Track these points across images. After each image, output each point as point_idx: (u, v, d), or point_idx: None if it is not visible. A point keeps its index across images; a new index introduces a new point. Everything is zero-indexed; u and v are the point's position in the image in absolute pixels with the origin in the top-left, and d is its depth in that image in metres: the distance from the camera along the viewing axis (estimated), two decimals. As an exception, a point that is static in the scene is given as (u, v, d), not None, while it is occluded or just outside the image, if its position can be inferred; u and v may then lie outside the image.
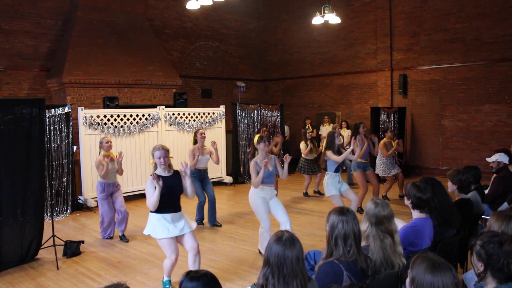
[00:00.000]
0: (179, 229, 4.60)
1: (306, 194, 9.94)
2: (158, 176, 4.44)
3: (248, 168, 11.82)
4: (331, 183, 6.74)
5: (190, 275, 2.18)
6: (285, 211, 5.75)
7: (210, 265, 5.56)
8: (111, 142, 6.86)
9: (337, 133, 6.93)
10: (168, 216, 4.57)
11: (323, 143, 13.31)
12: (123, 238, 6.87)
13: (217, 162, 7.65)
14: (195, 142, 7.54)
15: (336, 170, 6.82)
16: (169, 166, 4.72)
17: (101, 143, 6.84)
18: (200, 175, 7.56)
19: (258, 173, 5.53)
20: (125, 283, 2.04)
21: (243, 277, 5.20)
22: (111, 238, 6.92)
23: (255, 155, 5.72)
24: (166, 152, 4.63)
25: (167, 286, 4.88)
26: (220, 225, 7.61)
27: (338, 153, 6.85)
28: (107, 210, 6.79)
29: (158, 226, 4.54)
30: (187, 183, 4.67)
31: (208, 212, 7.63)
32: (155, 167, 4.67)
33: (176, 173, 4.74)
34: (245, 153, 11.86)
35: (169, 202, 4.58)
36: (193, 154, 7.39)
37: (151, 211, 4.62)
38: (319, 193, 9.96)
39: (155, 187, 4.44)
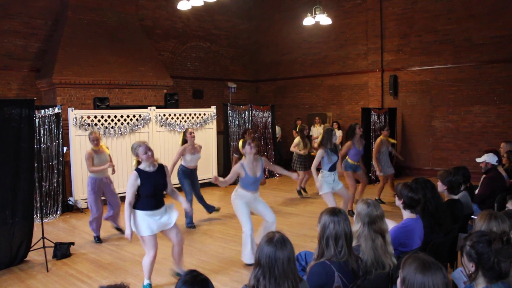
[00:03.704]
0: (163, 224, 4.68)
1: (300, 192, 9.88)
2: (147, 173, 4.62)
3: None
4: (324, 181, 6.69)
5: (185, 280, 2.16)
6: (271, 211, 5.74)
7: (201, 266, 5.54)
8: (98, 139, 6.73)
9: (334, 131, 6.85)
10: (151, 213, 4.60)
11: (314, 144, 13.36)
12: (120, 229, 7.05)
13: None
14: (184, 141, 7.51)
15: (331, 169, 6.74)
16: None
17: (89, 138, 6.79)
18: (190, 174, 7.58)
19: (239, 174, 5.47)
20: (128, 285, 2.02)
21: (235, 279, 5.20)
22: (98, 239, 6.84)
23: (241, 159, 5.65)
24: (147, 145, 4.71)
25: None
26: (194, 227, 7.64)
27: (334, 151, 6.78)
28: (93, 205, 6.72)
29: (142, 223, 4.58)
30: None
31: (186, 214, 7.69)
32: (137, 163, 4.71)
33: (160, 168, 4.76)
34: (237, 153, 11.85)
35: (153, 199, 4.63)
36: (181, 154, 7.38)
37: (133, 208, 4.64)
38: (304, 190, 9.96)
39: (138, 186, 4.54)
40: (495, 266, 2.52)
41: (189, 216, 7.58)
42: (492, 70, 11.27)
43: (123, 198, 9.32)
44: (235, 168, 5.52)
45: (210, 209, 8.03)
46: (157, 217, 4.63)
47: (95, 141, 6.70)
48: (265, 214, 5.69)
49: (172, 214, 4.80)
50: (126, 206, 4.58)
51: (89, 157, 6.62)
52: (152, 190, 4.58)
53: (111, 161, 6.91)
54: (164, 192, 4.90)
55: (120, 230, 7.09)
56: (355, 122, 8.77)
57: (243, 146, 5.53)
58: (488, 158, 5.88)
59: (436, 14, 12.11)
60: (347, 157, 8.03)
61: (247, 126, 11.95)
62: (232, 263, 5.74)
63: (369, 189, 9.65)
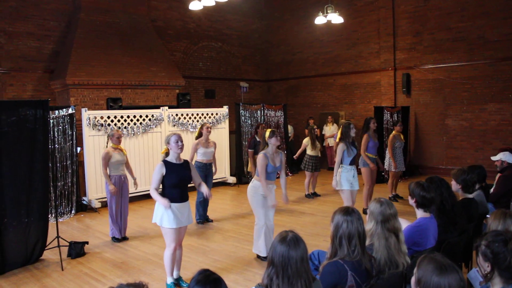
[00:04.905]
0: (182, 221, 4.78)
1: (308, 195, 9.77)
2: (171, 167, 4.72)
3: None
4: (344, 176, 6.62)
5: (198, 279, 2.15)
6: (272, 216, 5.74)
7: (214, 266, 5.56)
8: (121, 137, 6.88)
9: (352, 125, 6.79)
10: (175, 205, 4.69)
11: (326, 143, 13.30)
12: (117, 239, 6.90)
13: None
14: (199, 135, 7.58)
15: (351, 163, 6.70)
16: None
17: (112, 136, 6.78)
18: (205, 169, 7.59)
19: (266, 166, 5.46)
20: (147, 284, 2.02)
21: (248, 278, 5.20)
22: (117, 239, 6.83)
23: (264, 149, 5.63)
24: (181, 136, 4.83)
25: None
26: (212, 220, 7.80)
27: (352, 145, 6.74)
28: (113, 205, 6.68)
29: (165, 216, 4.68)
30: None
31: (202, 208, 7.81)
32: (166, 155, 4.83)
33: (186, 163, 4.92)
34: (249, 153, 11.84)
35: (177, 192, 4.74)
36: (195, 148, 7.45)
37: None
38: (316, 195, 9.87)
39: (162, 174, 4.67)
40: (511, 266, 2.49)
41: (200, 212, 7.77)
42: (506, 67, 11.11)
43: (134, 198, 9.40)
44: (261, 161, 5.45)
45: (204, 217, 7.87)
46: (179, 211, 4.71)
47: (119, 137, 6.78)
48: (268, 214, 5.68)
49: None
50: (152, 191, 4.70)
51: (105, 157, 6.59)
52: (177, 181, 4.69)
53: (127, 163, 6.94)
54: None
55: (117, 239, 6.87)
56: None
57: (271, 136, 5.55)
58: (504, 157, 5.80)
59: (448, 11, 11.99)
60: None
61: (259, 121, 11.90)
62: (245, 262, 5.75)
63: (381, 187, 9.59)
